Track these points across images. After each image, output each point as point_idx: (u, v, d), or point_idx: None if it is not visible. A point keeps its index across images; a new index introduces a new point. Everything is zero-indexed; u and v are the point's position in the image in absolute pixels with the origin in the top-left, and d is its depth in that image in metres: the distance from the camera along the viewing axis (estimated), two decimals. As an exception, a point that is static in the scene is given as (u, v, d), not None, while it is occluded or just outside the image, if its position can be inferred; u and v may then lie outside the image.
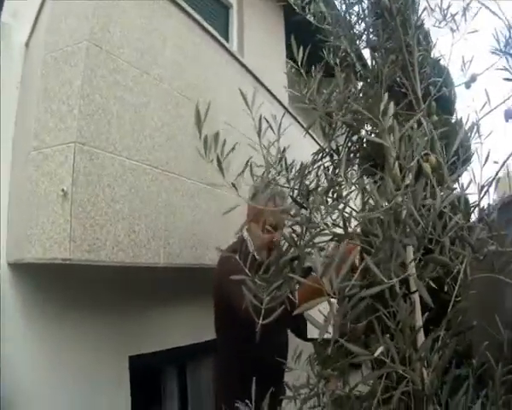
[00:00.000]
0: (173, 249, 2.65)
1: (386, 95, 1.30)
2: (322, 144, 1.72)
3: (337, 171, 1.58)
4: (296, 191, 1.62)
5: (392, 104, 1.27)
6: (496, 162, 1.26)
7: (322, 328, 1.51)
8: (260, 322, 1.33)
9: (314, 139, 4.91)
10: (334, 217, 1.35)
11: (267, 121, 1.61)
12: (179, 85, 2.90)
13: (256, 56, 4.60)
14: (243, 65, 3.86)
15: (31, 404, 2.35)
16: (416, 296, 1.39)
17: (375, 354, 1.08)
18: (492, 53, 1.43)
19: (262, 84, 4.03)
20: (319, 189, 1.56)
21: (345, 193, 1.41)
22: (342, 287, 1.06)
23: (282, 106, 4.37)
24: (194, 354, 3.44)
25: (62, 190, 2.09)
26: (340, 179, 1.45)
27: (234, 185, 1.46)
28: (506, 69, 1.37)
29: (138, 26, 2.62)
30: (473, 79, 1.55)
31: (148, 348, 2.99)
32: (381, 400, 1.17)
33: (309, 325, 2.14)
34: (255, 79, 3.91)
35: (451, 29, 1.60)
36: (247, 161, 1.53)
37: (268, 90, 4.15)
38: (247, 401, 1.83)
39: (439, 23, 1.64)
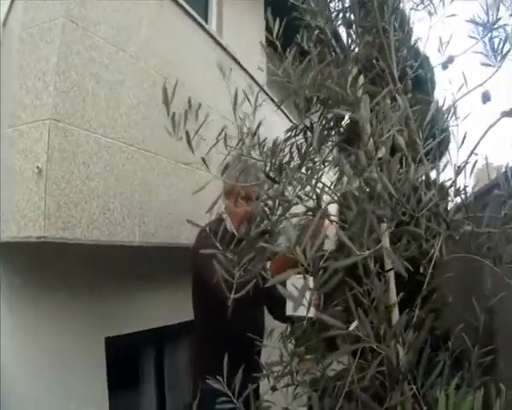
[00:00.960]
0: (148, 228, 2.62)
1: (356, 68, 1.30)
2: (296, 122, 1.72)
3: (311, 147, 1.57)
4: (269, 166, 1.59)
5: (361, 77, 1.27)
6: (476, 154, 1.27)
7: (297, 300, 1.55)
8: (232, 296, 1.31)
9: (288, 118, 4.90)
10: (308, 190, 1.35)
11: (244, 93, 1.60)
12: (156, 64, 2.83)
13: (235, 37, 4.54)
14: (221, 45, 3.81)
15: (7, 391, 2.31)
16: (390, 274, 1.39)
17: (350, 328, 1.09)
18: (470, 37, 1.41)
19: (240, 65, 3.98)
20: (292, 164, 1.57)
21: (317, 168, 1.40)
22: (316, 257, 1.04)
23: (259, 86, 4.33)
24: (172, 335, 3.43)
25: (37, 167, 2.03)
26: (312, 156, 1.46)
27: (204, 161, 1.46)
28: (483, 53, 1.36)
29: (115, 3, 2.55)
30: (450, 60, 1.52)
31: (124, 329, 2.97)
32: (356, 379, 1.17)
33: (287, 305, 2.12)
34: (233, 60, 3.86)
35: (429, 12, 1.58)
36: (221, 131, 1.51)
37: (245, 70, 4.11)
38: (218, 377, 1.85)
39: (417, 6, 1.62)
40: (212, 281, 1.93)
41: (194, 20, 3.42)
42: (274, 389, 1.55)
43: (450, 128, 1.40)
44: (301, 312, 1.74)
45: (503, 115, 1.26)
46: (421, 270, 1.32)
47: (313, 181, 1.33)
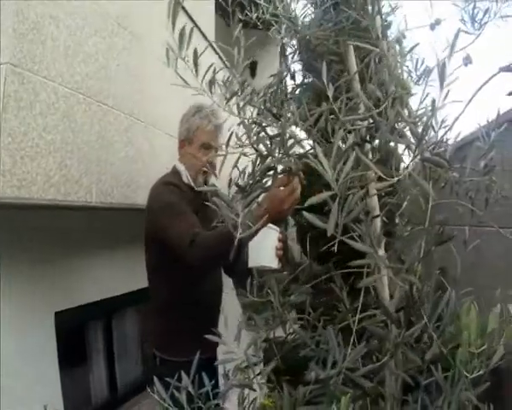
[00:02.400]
0: (105, 187, 2.39)
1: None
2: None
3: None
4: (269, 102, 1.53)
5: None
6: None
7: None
8: (238, 236, 1.16)
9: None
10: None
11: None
12: (115, 12, 2.54)
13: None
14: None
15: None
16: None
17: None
18: (454, 5, 1.36)
19: (194, 23, 3.71)
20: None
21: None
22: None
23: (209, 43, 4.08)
24: (122, 304, 3.24)
25: (-10, 116, 1.76)
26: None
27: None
28: (463, 21, 1.31)
29: None
30: (437, 21, 1.45)
31: (75, 302, 2.74)
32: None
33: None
34: (187, 15, 3.58)
35: None
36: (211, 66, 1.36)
37: (198, 29, 3.84)
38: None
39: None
40: (178, 243, 1.78)
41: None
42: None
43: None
44: (265, 262, 1.72)
45: (500, 70, 1.24)
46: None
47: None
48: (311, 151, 1.38)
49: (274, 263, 1.74)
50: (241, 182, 1.43)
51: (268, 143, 1.37)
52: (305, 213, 1.00)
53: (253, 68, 5.31)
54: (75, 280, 2.75)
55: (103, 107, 2.40)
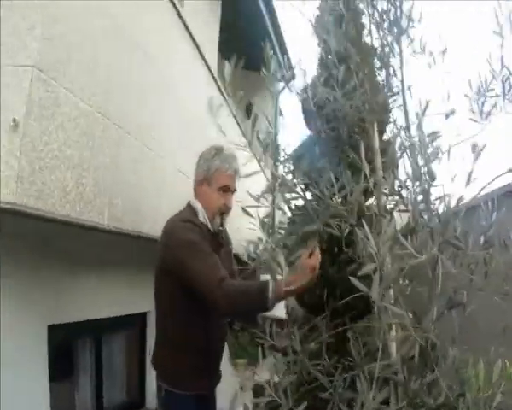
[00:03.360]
0: (116, 212, 2.21)
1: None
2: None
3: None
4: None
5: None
6: None
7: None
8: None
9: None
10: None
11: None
12: (133, 32, 2.46)
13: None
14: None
15: None
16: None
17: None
18: (465, 96, 1.55)
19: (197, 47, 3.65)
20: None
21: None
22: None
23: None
24: (113, 327, 2.95)
25: (13, 119, 1.58)
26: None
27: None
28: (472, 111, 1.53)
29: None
30: (452, 111, 1.60)
31: (69, 318, 2.45)
32: None
33: None
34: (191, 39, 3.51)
35: (429, 64, 1.65)
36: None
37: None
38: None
39: (415, 54, 1.67)
40: (200, 275, 1.71)
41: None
42: None
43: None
44: (277, 313, 1.82)
45: (509, 170, 1.35)
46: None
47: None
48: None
49: (279, 314, 1.84)
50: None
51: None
52: (351, 278, 1.14)
53: (248, 110, 5.32)
54: (68, 297, 2.44)
55: (119, 130, 2.26)
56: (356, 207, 1.41)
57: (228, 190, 2.00)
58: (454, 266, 1.34)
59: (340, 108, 1.71)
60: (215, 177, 1.98)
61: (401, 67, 1.73)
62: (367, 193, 1.58)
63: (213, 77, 4.05)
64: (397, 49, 1.71)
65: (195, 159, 2.01)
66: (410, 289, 1.48)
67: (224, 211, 1.98)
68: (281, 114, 8.89)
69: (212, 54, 4.42)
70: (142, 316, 3.31)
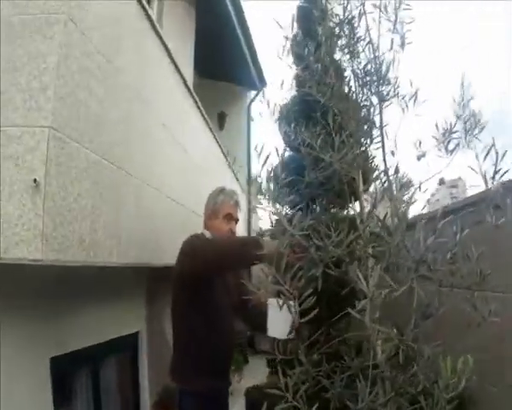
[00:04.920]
0: (123, 248, 2.23)
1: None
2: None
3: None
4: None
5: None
6: None
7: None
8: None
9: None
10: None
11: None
12: (133, 83, 2.48)
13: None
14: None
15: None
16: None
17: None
18: (433, 137, 1.69)
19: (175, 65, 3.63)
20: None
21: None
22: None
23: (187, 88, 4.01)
24: (113, 348, 2.94)
25: (34, 180, 1.58)
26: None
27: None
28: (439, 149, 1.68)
29: (107, 11, 2.16)
30: (423, 154, 1.74)
31: (71, 346, 2.44)
32: None
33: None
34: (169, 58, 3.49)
35: (402, 108, 1.76)
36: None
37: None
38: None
39: (390, 98, 1.79)
40: (209, 268, 1.94)
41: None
42: None
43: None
44: (283, 335, 1.84)
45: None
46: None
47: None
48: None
49: (286, 335, 1.87)
50: None
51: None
52: (350, 309, 1.35)
53: (221, 121, 5.32)
54: (68, 326, 2.41)
55: (123, 173, 2.27)
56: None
57: (232, 218, 2.28)
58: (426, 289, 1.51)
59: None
60: (221, 208, 2.26)
61: (380, 114, 1.86)
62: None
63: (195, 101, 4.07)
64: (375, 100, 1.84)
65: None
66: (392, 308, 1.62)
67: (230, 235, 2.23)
68: (252, 119, 8.98)
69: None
70: (135, 336, 3.32)
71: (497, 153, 1.38)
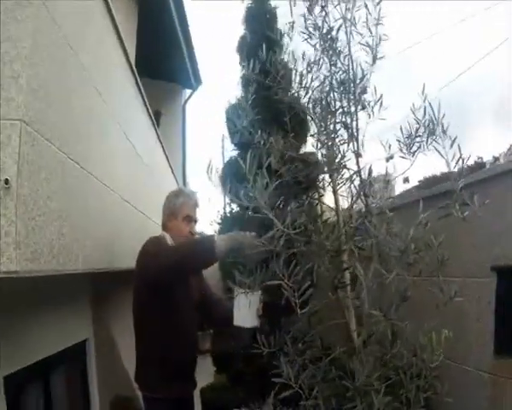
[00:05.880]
0: (88, 253, 2.02)
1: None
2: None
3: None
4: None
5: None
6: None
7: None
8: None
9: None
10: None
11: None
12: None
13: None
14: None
15: None
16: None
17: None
18: (397, 140, 1.79)
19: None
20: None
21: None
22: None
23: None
24: (62, 359, 2.65)
25: (6, 180, 1.37)
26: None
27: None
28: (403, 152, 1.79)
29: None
30: (391, 156, 1.84)
31: (21, 363, 2.15)
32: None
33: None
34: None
35: (368, 114, 1.87)
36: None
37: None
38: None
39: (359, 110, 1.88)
40: (169, 272, 1.87)
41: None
42: None
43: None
44: (249, 323, 1.94)
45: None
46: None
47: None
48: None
49: (255, 323, 1.93)
50: None
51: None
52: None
53: (156, 119, 5.11)
54: (18, 340, 2.15)
55: (84, 172, 2.06)
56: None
57: (191, 219, 2.22)
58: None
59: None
60: (181, 209, 2.19)
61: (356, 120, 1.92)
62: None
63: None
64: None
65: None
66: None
67: (188, 237, 2.18)
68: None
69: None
70: (82, 344, 3.06)
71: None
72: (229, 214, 4.27)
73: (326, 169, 1.78)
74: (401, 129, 1.81)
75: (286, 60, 1.94)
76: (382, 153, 1.86)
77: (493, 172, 2.59)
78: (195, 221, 2.26)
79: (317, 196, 1.94)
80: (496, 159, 13.24)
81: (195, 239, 2.16)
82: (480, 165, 11.17)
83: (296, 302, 1.53)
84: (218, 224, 4.21)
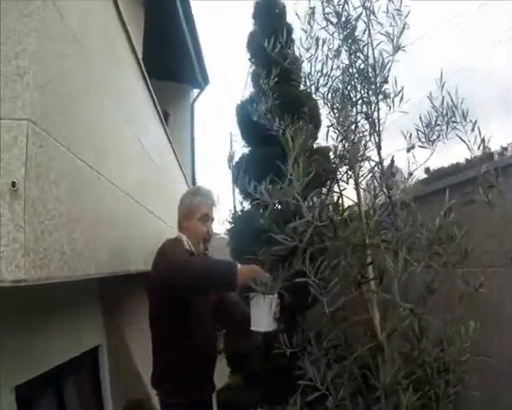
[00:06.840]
0: (100, 258, 1.92)
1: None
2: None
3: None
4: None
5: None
6: None
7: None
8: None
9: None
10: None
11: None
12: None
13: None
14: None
15: None
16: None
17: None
18: (416, 130, 1.74)
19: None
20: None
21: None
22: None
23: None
24: (75, 367, 2.56)
25: (13, 183, 1.26)
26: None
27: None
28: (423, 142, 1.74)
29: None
30: (412, 146, 1.77)
31: (33, 372, 2.05)
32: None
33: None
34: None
35: (388, 106, 1.79)
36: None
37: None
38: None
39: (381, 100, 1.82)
40: (186, 278, 1.78)
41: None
42: None
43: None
44: (266, 327, 1.83)
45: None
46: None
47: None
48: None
49: (272, 327, 1.85)
50: None
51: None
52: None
53: (165, 119, 5.02)
54: (30, 349, 2.04)
55: (94, 173, 1.96)
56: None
57: (208, 218, 2.13)
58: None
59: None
60: (198, 209, 2.11)
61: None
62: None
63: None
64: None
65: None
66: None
67: (206, 238, 2.11)
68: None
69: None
70: (95, 350, 2.96)
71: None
72: (240, 213, 4.16)
73: (348, 162, 1.67)
74: (420, 118, 1.74)
75: (302, 48, 1.83)
76: (398, 144, 1.80)
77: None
78: (212, 220, 2.19)
79: (337, 190, 1.83)
80: (504, 149, 13.02)
81: (216, 262, 2.03)
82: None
83: (324, 300, 1.43)
84: (230, 223, 4.10)
